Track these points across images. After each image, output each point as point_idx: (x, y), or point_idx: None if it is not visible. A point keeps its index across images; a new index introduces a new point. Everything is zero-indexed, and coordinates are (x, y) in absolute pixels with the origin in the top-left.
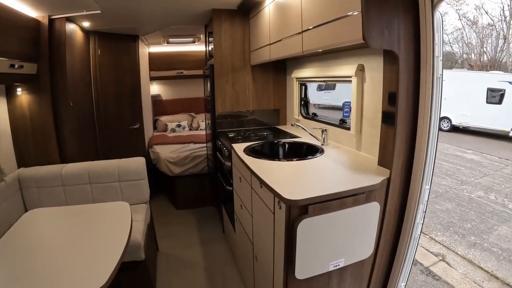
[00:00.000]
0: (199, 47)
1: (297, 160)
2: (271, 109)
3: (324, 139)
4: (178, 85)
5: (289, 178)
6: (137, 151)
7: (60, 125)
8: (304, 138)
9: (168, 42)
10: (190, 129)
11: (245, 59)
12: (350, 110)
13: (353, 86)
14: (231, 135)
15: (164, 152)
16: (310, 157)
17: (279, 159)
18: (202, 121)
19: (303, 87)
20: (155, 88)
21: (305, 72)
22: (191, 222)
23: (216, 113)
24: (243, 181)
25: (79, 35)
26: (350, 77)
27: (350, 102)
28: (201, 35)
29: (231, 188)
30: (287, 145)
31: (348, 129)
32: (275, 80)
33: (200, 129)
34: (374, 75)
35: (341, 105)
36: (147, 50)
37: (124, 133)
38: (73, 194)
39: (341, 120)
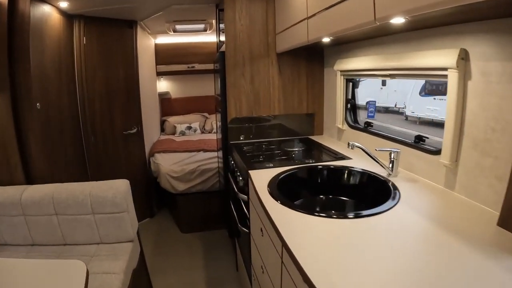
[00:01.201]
0: (212, 37)
1: (358, 216)
2: (303, 114)
3: (393, 167)
4: (189, 81)
5: (351, 268)
6: (134, 162)
7: (24, 132)
8: (356, 159)
9: (175, 31)
10: (202, 132)
11: (268, 44)
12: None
13: (451, 85)
14: (248, 150)
15: (166, 163)
16: (378, 210)
17: (327, 215)
18: (217, 122)
19: (350, 83)
20: (163, 85)
21: (357, 62)
22: (196, 251)
23: (229, 118)
24: (266, 238)
25: (55, 19)
26: (445, 69)
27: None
28: (213, 20)
29: (247, 231)
30: (335, 175)
31: (432, 152)
32: (308, 74)
33: (214, 132)
34: (490, 67)
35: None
36: (152, 41)
37: (118, 140)
38: (38, 227)
39: (417, 137)
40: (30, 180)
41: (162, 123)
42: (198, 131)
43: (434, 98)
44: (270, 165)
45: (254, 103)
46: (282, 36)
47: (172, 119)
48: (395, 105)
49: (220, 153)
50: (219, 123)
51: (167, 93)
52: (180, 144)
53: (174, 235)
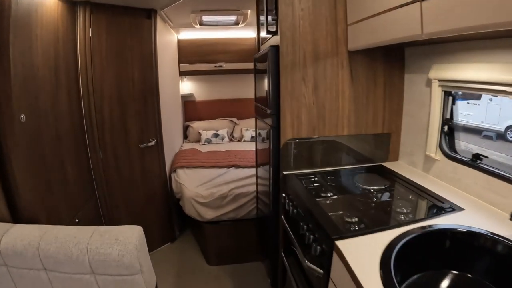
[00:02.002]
0: (244, 32)
1: None
2: (378, 134)
3: None
4: (216, 82)
5: None
6: (152, 179)
7: (4, 153)
8: (472, 210)
9: (201, 24)
10: (231, 140)
11: (338, 38)
12: None
13: None
14: (310, 186)
15: (191, 183)
16: None
17: None
18: (246, 129)
19: (449, 98)
20: (187, 86)
21: (477, 70)
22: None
23: (282, 139)
24: None
25: (51, 6)
26: None
27: None
28: (248, 11)
29: None
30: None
31: None
32: (386, 81)
33: (244, 141)
34: None
35: None
36: (175, 36)
37: (132, 155)
38: (24, 282)
39: None
40: (16, 214)
41: (185, 128)
42: (226, 138)
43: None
44: (362, 227)
45: (318, 119)
46: (359, 28)
47: (196, 125)
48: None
49: (260, 171)
50: (261, 135)
51: (191, 95)
52: (207, 156)
53: (199, 267)
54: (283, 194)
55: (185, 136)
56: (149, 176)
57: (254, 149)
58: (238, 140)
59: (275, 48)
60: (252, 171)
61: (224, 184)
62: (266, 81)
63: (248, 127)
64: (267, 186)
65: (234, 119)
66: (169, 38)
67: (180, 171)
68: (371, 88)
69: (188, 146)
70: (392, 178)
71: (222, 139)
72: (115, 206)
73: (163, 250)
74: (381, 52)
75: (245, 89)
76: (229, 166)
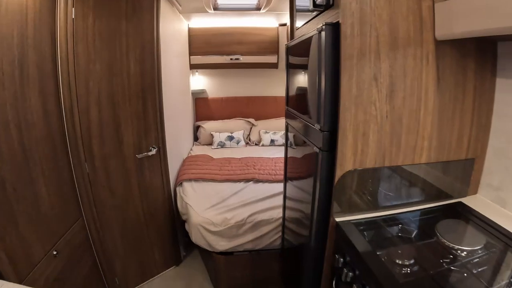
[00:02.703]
0: (265, 19)
1: None
2: (461, 159)
3: None
4: (231, 77)
5: None
6: (152, 196)
7: None
8: None
9: (216, 8)
10: (247, 144)
11: (422, 19)
12: None
13: None
14: (375, 239)
15: (200, 204)
16: None
17: None
18: (265, 132)
19: None
20: (198, 81)
21: None
22: None
23: (339, 171)
24: None
25: None
26: None
27: None
28: None
29: None
30: None
31: None
32: (477, 85)
33: (263, 145)
34: None
35: None
36: (185, 24)
37: (128, 167)
38: None
39: None
40: None
41: (196, 129)
42: (242, 142)
43: None
44: None
45: (391, 140)
46: (456, 4)
47: (208, 126)
48: None
49: (291, 190)
50: (289, 134)
51: (202, 91)
52: (220, 165)
53: None
54: (336, 256)
55: (196, 138)
56: (149, 192)
57: (275, 156)
58: (256, 144)
59: (332, 28)
60: (276, 187)
61: (241, 207)
62: (310, 79)
63: (267, 129)
64: (301, 212)
65: (251, 120)
66: (177, 25)
67: (186, 185)
68: (459, 95)
69: (198, 149)
70: (481, 225)
71: (238, 142)
72: (107, 228)
73: (166, 275)
74: (473, 45)
75: (264, 86)
76: (247, 180)
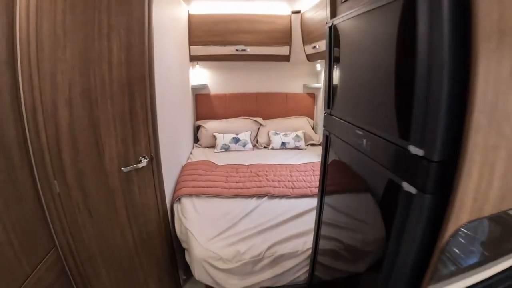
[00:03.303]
0: (276, 4)
1: None
2: None
3: None
4: (236, 70)
5: None
6: (144, 216)
7: None
8: None
9: None
10: (255, 146)
11: None
12: None
13: None
14: None
15: (203, 229)
16: None
17: None
18: (275, 133)
19: None
20: (199, 75)
21: None
22: None
23: (453, 224)
24: None
25: None
26: None
27: None
28: None
29: None
30: None
31: None
32: None
33: (273, 148)
34: None
35: None
36: (184, 9)
37: (111, 184)
38: None
39: None
40: None
41: (196, 129)
42: (249, 145)
43: None
44: None
45: None
46: None
47: (210, 125)
48: None
49: (329, 212)
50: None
51: (204, 86)
52: (225, 174)
53: None
54: None
55: (196, 139)
56: (139, 213)
57: (288, 162)
58: (265, 147)
59: None
60: (296, 205)
61: (257, 234)
62: (399, 72)
63: (277, 130)
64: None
65: (259, 119)
66: (175, 9)
67: (186, 202)
68: None
69: (199, 153)
70: None
71: (244, 145)
72: (88, 260)
73: None
74: None
75: (274, 81)
76: (259, 196)
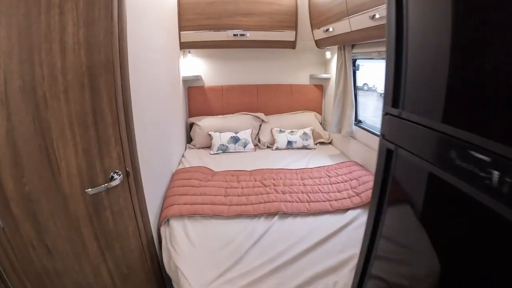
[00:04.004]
0: None
1: None
2: None
3: None
4: (234, 59)
5: None
6: (122, 249)
7: None
8: None
9: None
10: (256, 146)
11: None
12: None
13: None
14: None
15: (199, 268)
16: None
17: None
18: (280, 131)
19: None
20: (192, 65)
21: None
22: None
23: None
24: None
25: None
26: None
27: None
28: None
29: None
30: None
31: None
32: None
33: (277, 148)
34: None
35: None
36: None
37: (73, 212)
38: None
39: None
40: None
41: (190, 127)
42: (250, 145)
43: None
44: None
45: None
46: None
47: (205, 123)
48: None
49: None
50: None
51: (197, 78)
52: (225, 185)
53: None
54: None
55: (189, 139)
56: (115, 243)
57: (298, 166)
58: (268, 147)
59: None
60: (316, 225)
61: (270, 275)
62: None
63: (281, 127)
64: None
65: (261, 115)
66: None
67: (176, 225)
68: None
69: (193, 156)
70: None
71: (245, 145)
72: None
73: None
74: None
75: (277, 71)
76: (269, 214)
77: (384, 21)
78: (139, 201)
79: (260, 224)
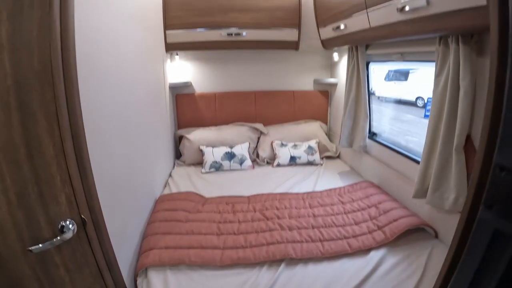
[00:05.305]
0: None
1: None
2: None
3: None
4: (228, 62)
5: None
6: None
7: None
8: None
9: None
10: (254, 162)
11: None
12: None
13: None
14: None
15: None
16: None
17: None
18: (281, 144)
19: None
20: (180, 70)
21: None
22: None
23: None
24: None
25: None
26: None
27: None
28: None
29: None
30: None
31: None
32: None
33: (279, 164)
34: None
35: None
36: None
37: (15, 276)
38: None
39: None
40: None
41: (178, 140)
42: (248, 161)
43: None
44: None
45: None
46: None
47: (196, 136)
48: None
49: None
50: None
51: (187, 84)
52: (217, 217)
53: None
54: None
55: (178, 154)
56: None
57: (304, 190)
58: (268, 162)
59: None
60: (334, 274)
61: None
62: None
63: (283, 140)
64: None
65: (259, 126)
66: None
67: (155, 278)
68: None
69: (181, 175)
70: None
71: (241, 162)
72: None
73: None
74: None
75: (278, 75)
76: (271, 262)
77: (418, 14)
78: (104, 254)
79: (263, 277)
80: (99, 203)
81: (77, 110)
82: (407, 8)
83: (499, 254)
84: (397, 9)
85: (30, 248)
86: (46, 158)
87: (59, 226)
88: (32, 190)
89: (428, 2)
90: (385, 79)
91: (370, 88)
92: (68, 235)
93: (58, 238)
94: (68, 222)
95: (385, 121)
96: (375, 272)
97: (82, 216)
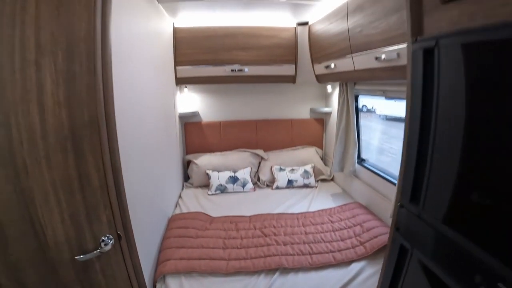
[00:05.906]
0: (279, 14)
1: None
2: None
3: None
4: (232, 94)
5: None
6: None
7: None
8: None
9: None
10: (256, 185)
11: None
12: None
13: None
14: None
15: None
16: None
17: None
18: (280, 169)
19: None
20: (188, 101)
21: None
22: None
23: None
24: None
25: None
26: None
27: None
28: None
29: None
30: None
31: None
32: None
33: (277, 187)
34: None
35: None
36: (169, 21)
37: (62, 279)
38: None
39: None
40: None
41: (187, 164)
42: (249, 184)
43: None
44: None
45: None
46: None
47: (203, 161)
48: None
49: None
50: None
51: (194, 114)
52: (223, 234)
53: None
54: None
55: (186, 177)
56: None
57: (298, 211)
58: (268, 185)
59: None
60: (320, 281)
61: None
62: None
63: (281, 165)
64: None
65: (260, 152)
66: (154, 22)
67: (172, 284)
68: None
69: (189, 196)
70: None
71: (243, 185)
72: None
73: None
74: None
75: (277, 105)
76: (268, 271)
77: (390, 63)
78: (133, 264)
79: (261, 283)
80: (130, 221)
81: (115, 150)
82: (383, 57)
83: (403, 260)
84: (375, 57)
85: (77, 257)
86: (93, 188)
87: (100, 240)
88: (82, 212)
89: (398, 55)
90: (385, 97)
91: (359, 119)
92: (108, 247)
93: (99, 250)
94: (107, 237)
95: (384, 139)
96: (355, 280)
97: (118, 232)
